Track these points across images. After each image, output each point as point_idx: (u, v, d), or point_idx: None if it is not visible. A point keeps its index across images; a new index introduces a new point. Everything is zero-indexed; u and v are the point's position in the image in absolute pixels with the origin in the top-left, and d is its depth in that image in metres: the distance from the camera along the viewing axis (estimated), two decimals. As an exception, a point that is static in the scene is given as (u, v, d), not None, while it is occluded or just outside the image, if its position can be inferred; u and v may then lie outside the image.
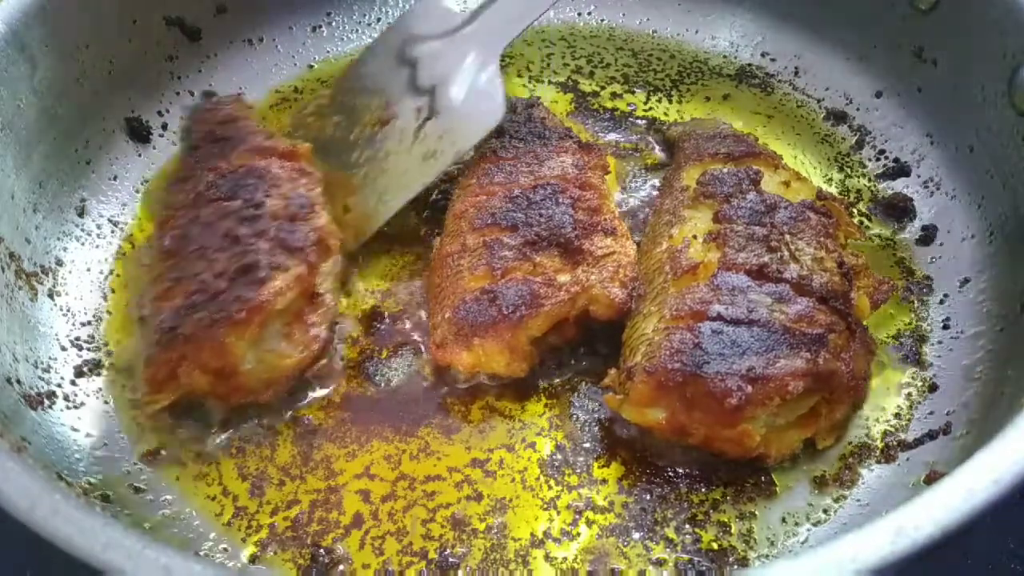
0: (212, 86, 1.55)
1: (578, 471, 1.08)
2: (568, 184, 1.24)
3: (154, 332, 1.08)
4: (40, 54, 1.27)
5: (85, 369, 1.16)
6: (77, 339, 1.19)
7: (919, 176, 1.39)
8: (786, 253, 1.13)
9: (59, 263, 1.26)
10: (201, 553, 1.01)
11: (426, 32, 1.41)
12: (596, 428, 1.12)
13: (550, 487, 1.07)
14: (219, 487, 1.07)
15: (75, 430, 1.09)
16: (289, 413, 1.14)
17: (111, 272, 1.29)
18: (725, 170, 1.26)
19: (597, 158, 1.32)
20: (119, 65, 1.41)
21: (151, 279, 1.16)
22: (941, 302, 1.24)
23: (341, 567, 1.00)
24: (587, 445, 1.11)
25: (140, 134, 1.43)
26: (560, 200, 1.21)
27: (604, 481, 1.08)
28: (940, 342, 1.20)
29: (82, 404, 1.13)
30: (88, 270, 1.28)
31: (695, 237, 1.17)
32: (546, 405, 1.15)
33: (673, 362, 1.02)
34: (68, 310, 1.22)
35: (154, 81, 1.49)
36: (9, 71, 1.22)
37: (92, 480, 1.03)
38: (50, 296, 1.21)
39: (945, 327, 1.21)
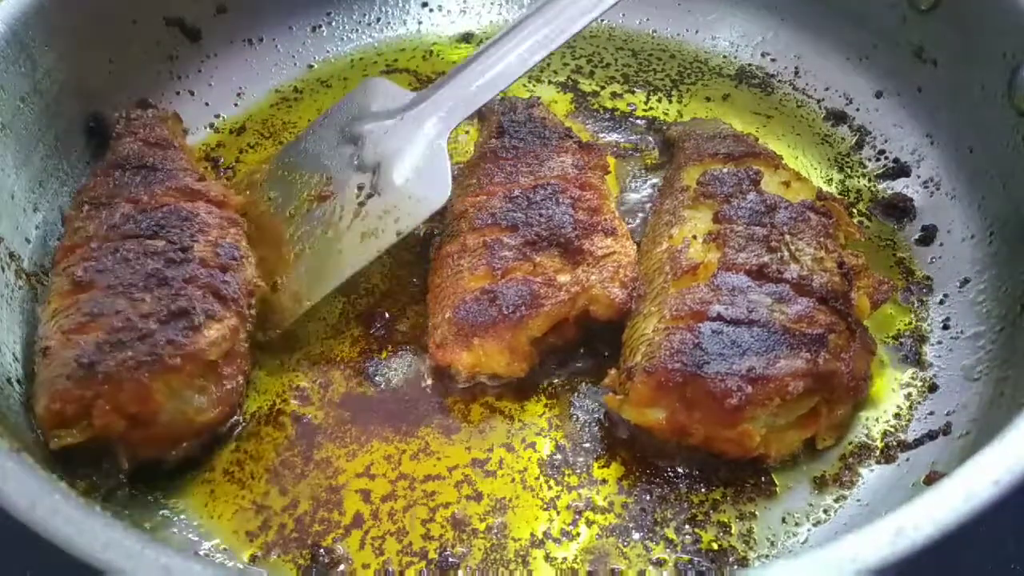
0: (212, 86, 1.55)
1: (578, 471, 1.08)
2: (568, 184, 1.24)
3: (65, 365, 0.99)
4: (40, 54, 1.27)
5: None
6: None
7: (919, 176, 1.39)
8: (786, 253, 1.13)
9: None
10: (201, 553, 1.01)
11: (374, 110, 1.35)
12: (596, 428, 1.12)
13: (550, 487, 1.07)
14: (219, 487, 1.07)
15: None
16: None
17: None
18: (725, 170, 1.26)
19: (597, 158, 1.32)
20: (119, 65, 1.42)
21: (56, 308, 1.06)
22: (941, 302, 1.24)
23: (341, 567, 1.00)
24: (587, 445, 1.11)
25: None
26: (560, 200, 1.21)
27: (604, 481, 1.08)
28: (940, 342, 1.20)
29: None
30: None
31: (695, 237, 1.17)
32: (546, 405, 1.15)
33: (673, 362, 1.02)
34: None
35: (154, 81, 1.48)
36: (9, 71, 1.22)
37: (97, 479, 1.03)
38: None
39: (945, 327, 1.21)
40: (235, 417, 1.11)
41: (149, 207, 1.17)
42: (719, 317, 1.05)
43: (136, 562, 0.73)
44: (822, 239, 1.16)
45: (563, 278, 1.14)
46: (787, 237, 1.15)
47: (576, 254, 1.17)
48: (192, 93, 1.53)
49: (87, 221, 1.16)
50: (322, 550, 1.01)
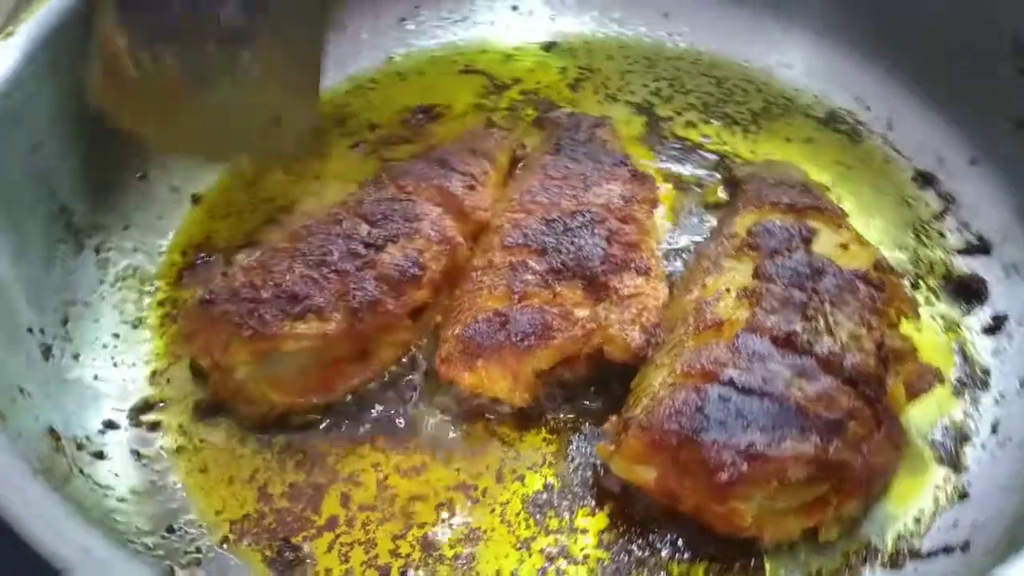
0: (291, 66, 1.57)
1: (560, 515, 1.04)
2: (609, 215, 1.19)
3: (205, 290, 1.11)
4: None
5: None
6: (103, 297, 1.22)
7: (1000, 258, 1.28)
8: (822, 324, 1.04)
9: (113, 221, 1.29)
10: (175, 527, 1.02)
11: None
12: (589, 473, 1.08)
13: (528, 527, 1.03)
14: (213, 463, 1.08)
15: (86, 385, 1.12)
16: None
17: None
18: (777, 223, 1.18)
19: (648, 191, 1.26)
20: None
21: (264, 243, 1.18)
22: (996, 402, 1.13)
23: (305, 564, 1.00)
24: (576, 489, 1.07)
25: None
26: (596, 231, 1.16)
27: (584, 531, 1.03)
28: (984, 446, 1.09)
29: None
30: (140, 229, 1.32)
31: (728, 290, 1.10)
32: (545, 439, 1.11)
33: (671, 422, 0.96)
34: (108, 264, 1.25)
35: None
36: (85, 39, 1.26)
37: (89, 435, 1.06)
38: (95, 251, 1.25)
39: (994, 430, 1.10)
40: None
41: (391, 198, 1.23)
42: (730, 382, 0.98)
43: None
44: (866, 314, 1.07)
45: (581, 312, 1.10)
46: (827, 306, 1.06)
47: (600, 289, 1.12)
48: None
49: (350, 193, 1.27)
50: (290, 546, 1.01)
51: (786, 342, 1.02)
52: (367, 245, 1.14)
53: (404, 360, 1.17)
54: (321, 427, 1.12)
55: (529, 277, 1.13)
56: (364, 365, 1.14)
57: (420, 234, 1.18)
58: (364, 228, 1.17)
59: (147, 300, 1.24)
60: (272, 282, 1.09)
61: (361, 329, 1.10)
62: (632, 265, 1.15)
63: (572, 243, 1.15)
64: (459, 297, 1.17)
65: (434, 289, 1.17)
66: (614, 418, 1.05)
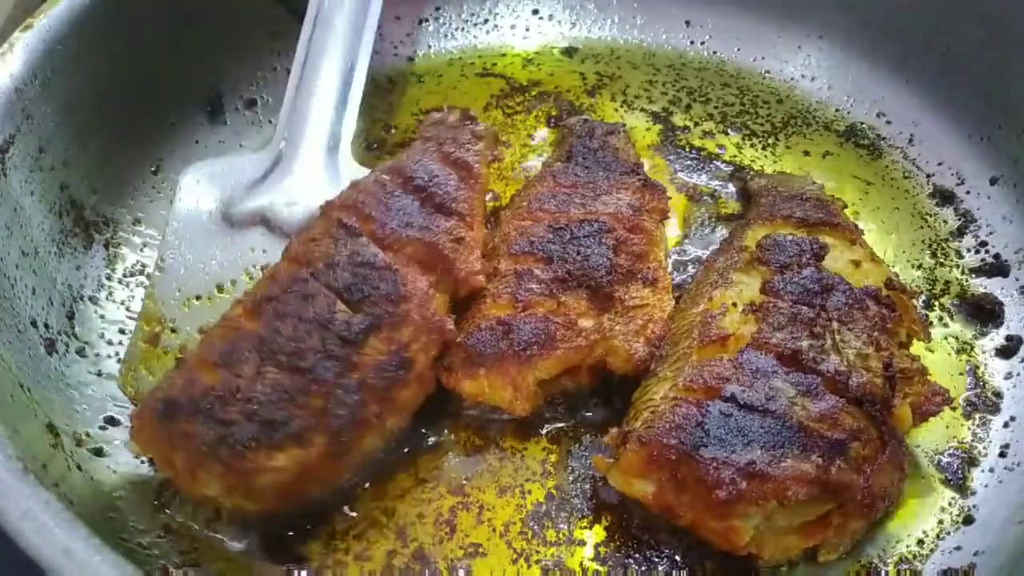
0: (310, 64, 1.57)
1: (558, 527, 1.03)
2: (617, 224, 1.18)
3: (166, 393, 0.96)
4: (139, 15, 1.32)
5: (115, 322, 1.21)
6: (111, 292, 1.23)
7: (1017, 279, 1.25)
8: (829, 342, 1.03)
9: (123, 216, 1.30)
10: (173, 526, 1.01)
11: (244, 184, 1.29)
12: (587, 485, 1.07)
13: (527, 539, 1.02)
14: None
15: (88, 381, 1.13)
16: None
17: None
18: (788, 237, 1.16)
19: (658, 201, 1.25)
20: (220, 33, 1.45)
21: (222, 320, 1.04)
22: (1005, 425, 1.11)
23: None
24: (575, 500, 1.06)
25: (218, 105, 1.46)
26: (603, 240, 1.15)
27: (582, 543, 1.02)
28: (991, 470, 1.07)
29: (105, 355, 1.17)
30: (151, 224, 1.32)
31: (735, 305, 1.09)
32: (545, 449, 1.10)
33: (670, 437, 0.95)
34: (117, 259, 1.26)
35: (253, 56, 1.52)
36: (108, 31, 1.28)
37: (90, 431, 1.07)
38: (105, 246, 1.26)
39: (1002, 455, 1.08)
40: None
41: (384, 244, 1.08)
42: (732, 398, 0.97)
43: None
44: (876, 333, 1.05)
45: (585, 323, 1.09)
46: (835, 324, 1.05)
47: (605, 300, 1.11)
48: (289, 71, 1.55)
49: (315, 241, 1.08)
50: (287, 554, 1.01)
51: (791, 359, 1.01)
52: (345, 341, 0.99)
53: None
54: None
55: (534, 286, 1.12)
56: (346, 463, 1.00)
57: (407, 321, 1.03)
58: (340, 311, 1.01)
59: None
60: (241, 397, 0.94)
61: (346, 445, 0.97)
62: (639, 276, 1.14)
63: (578, 252, 1.14)
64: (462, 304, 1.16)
65: (421, 383, 1.04)
66: (614, 430, 1.04)
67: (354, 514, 1.04)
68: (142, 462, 1.06)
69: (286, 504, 0.99)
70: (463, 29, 1.67)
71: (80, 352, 1.14)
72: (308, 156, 1.31)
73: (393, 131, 1.50)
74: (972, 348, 1.20)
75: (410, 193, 1.16)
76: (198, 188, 1.28)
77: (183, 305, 1.17)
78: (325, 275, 1.04)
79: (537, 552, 1.01)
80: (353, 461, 1.01)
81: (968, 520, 1.03)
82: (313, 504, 1.03)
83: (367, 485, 1.06)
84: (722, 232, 1.33)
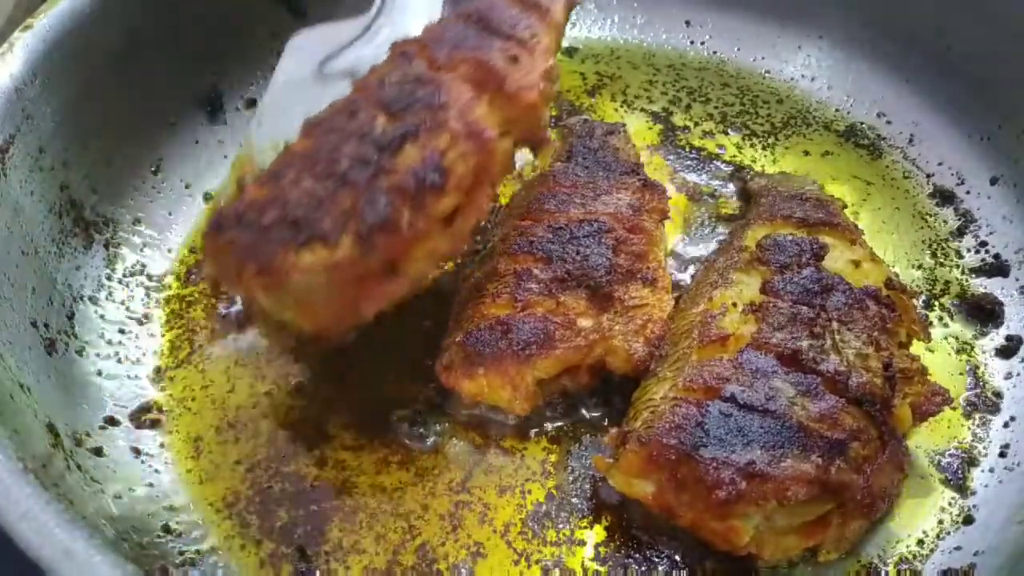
0: (312, 64, 1.57)
1: (559, 527, 1.03)
2: (616, 224, 1.18)
3: (228, 207, 0.97)
4: (138, 15, 1.32)
5: (122, 319, 1.21)
6: (111, 292, 1.23)
7: (1017, 279, 1.25)
8: (828, 342, 1.03)
9: (123, 216, 1.30)
10: (172, 526, 1.02)
11: (339, 41, 1.28)
12: (588, 485, 1.07)
13: (527, 540, 1.02)
14: (210, 464, 1.09)
15: (88, 381, 1.13)
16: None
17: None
18: (788, 237, 1.16)
19: (658, 201, 1.25)
20: (221, 34, 1.45)
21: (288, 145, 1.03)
22: (1005, 425, 1.11)
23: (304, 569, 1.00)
24: (575, 500, 1.06)
25: (218, 105, 1.46)
26: (602, 240, 1.15)
27: (582, 543, 1.02)
28: (991, 470, 1.07)
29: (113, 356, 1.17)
30: (151, 224, 1.32)
31: (735, 305, 1.09)
32: (545, 449, 1.10)
33: (670, 437, 0.95)
34: (116, 259, 1.26)
35: (253, 56, 1.51)
36: (108, 31, 1.28)
37: (89, 431, 1.07)
38: (105, 246, 1.26)
39: (1002, 454, 1.08)
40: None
41: (437, 67, 1.03)
42: (732, 398, 0.97)
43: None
44: (875, 333, 1.05)
45: (584, 323, 1.09)
46: (835, 324, 1.05)
47: (604, 300, 1.11)
48: (289, 70, 1.55)
49: (375, 72, 1.07)
50: (288, 551, 1.01)
51: (792, 359, 1.01)
52: (381, 148, 0.96)
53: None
54: (330, 433, 1.12)
55: (533, 286, 1.12)
56: (395, 282, 0.98)
57: (445, 128, 0.97)
58: (380, 122, 0.98)
59: (154, 296, 1.25)
60: (277, 201, 0.95)
61: (377, 252, 0.94)
62: (638, 275, 1.14)
63: (578, 252, 1.14)
64: (462, 304, 1.16)
65: (463, 191, 0.99)
66: (614, 431, 1.04)
67: (354, 513, 1.04)
68: (139, 459, 1.07)
69: (337, 319, 0.98)
70: (464, 28, 1.67)
71: (80, 352, 1.14)
72: (400, 17, 1.28)
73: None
74: (972, 348, 1.20)
75: (473, 24, 1.10)
76: (299, 52, 1.28)
77: (273, 151, 1.11)
78: (374, 94, 1.02)
79: (538, 552, 1.01)
80: (402, 278, 0.98)
81: (968, 520, 1.03)
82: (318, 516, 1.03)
83: (364, 486, 1.06)
84: (722, 232, 1.33)
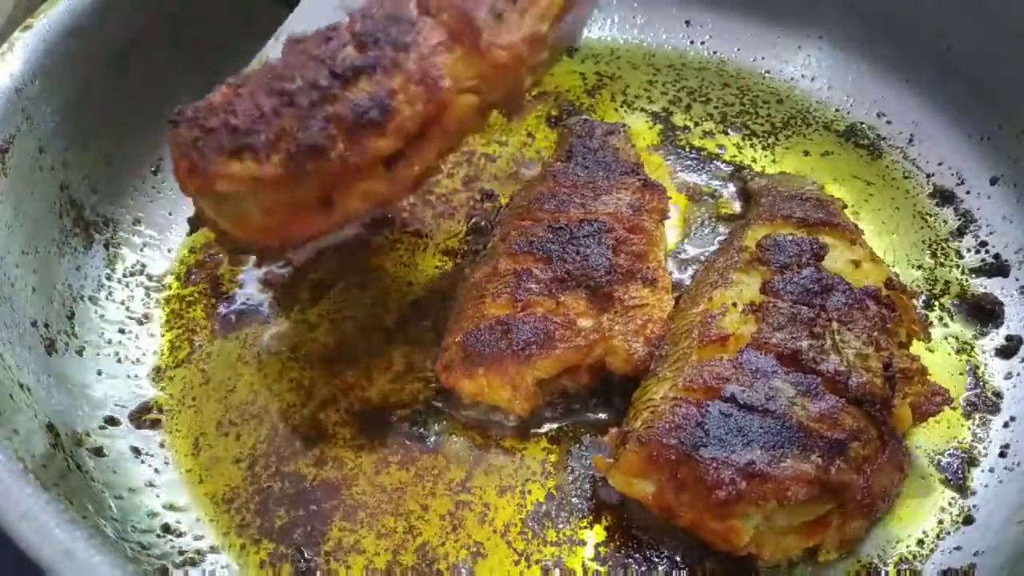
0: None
1: (559, 527, 1.03)
2: (617, 224, 1.18)
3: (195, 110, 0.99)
4: (138, 12, 1.32)
5: (122, 318, 1.21)
6: (111, 292, 1.23)
7: (1017, 279, 1.25)
8: (828, 342, 1.03)
9: (123, 216, 1.30)
10: (172, 526, 1.02)
11: None
12: (588, 485, 1.07)
13: (527, 540, 1.02)
14: (210, 463, 1.09)
15: (89, 381, 1.13)
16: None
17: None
18: (788, 237, 1.16)
19: (658, 201, 1.25)
20: (221, 34, 1.45)
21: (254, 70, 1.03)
22: (1005, 425, 1.11)
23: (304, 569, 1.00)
24: (575, 500, 1.06)
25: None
26: (603, 240, 1.15)
27: (582, 543, 1.02)
28: (991, 470, 1.07)
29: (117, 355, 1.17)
30: (151, 224, 1.32)
31: (735, 305, 1.09)
32: (545, 449, 1.10)
33: (670, 437, 0.95)
34: (117, 259, 1.26)
35: (253, 55, 1.50)
36: (108, 31, 1.27)
37: (89, 431, 1.07)
38: (105, 246, 1.26)
39: (1002, 455, 1.08)
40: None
41: (426, 8, 1.01)
42: (732, 398, 0.97)
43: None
44: (875, 334, 1.05)
45: (584, 323, 1.09)
46: (835, 324, 1.05)
47: (604, 300, 1.11)
48: (288, 69, 1.55)
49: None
50: (287, 551, 1.01)
51: (791, 359, 1.01)
52: (335, 75, 0.96)
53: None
54: (330, 432, 1.12)
55: (533, 286, 1.12)
56: (326, 215, 1.00)
57: (401, 68, 0.96)
58: (344, 52, 0.98)
59: (154, 296, 1.25)
60: (228, 108, 0.97)
61: (308, 176, 0.95)
62: (638, 275, 1.14)
63: (578, 252, 1.14)
64: (462, 304, 1.17)
65: (404, 138, 0.98)
66: (614, 431, 1.04)
67: (355, 512, 1.04)
68: (139, 458, 1.07)
69: (268, 236, 1.01)
70: (464, 28, 1.67)
71: (80, 352, 1.14)
72: None
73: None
74: (972, 348, 1.20)
75: None
76: None
77: None
78: (356, 23, 1.01)
79: (538, 552, 1.01)
80: (335, 212, 1.00)
81: (968, 520, 1.03)
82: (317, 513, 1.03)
83: (364, 486, 1.06)
84: (722, 232, 1.33)
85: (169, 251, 1.31)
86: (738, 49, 1.62)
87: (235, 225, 1.00)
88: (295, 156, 0.94)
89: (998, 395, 1.14)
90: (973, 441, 1.10)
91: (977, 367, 1.17)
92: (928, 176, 1.41)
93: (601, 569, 1.00)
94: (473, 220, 1.35)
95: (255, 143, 0.94)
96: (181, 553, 0.99)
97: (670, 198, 1.28)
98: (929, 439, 1.10)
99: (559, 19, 1.06)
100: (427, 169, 1.03)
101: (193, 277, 1.28)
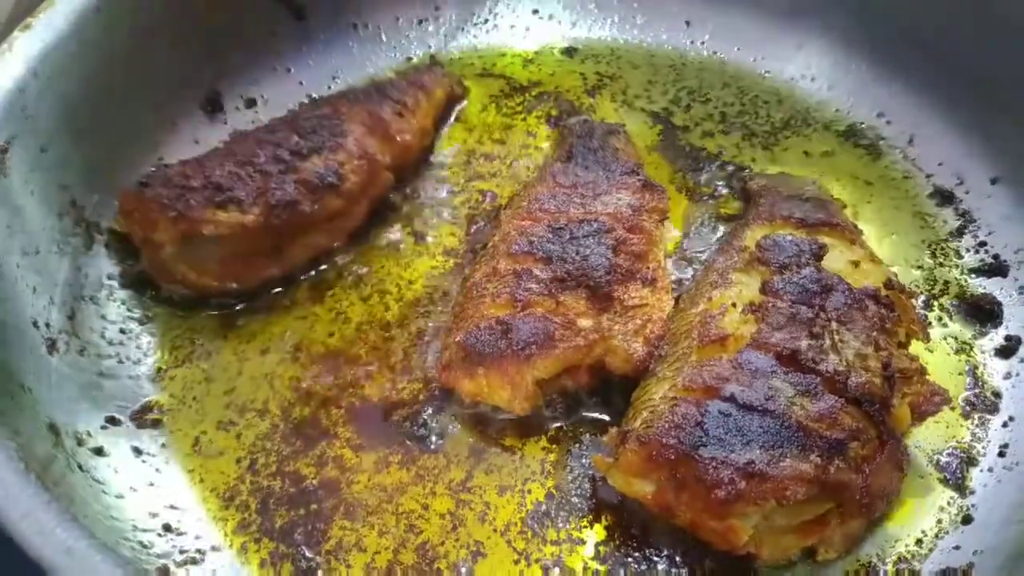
0: (311, 65, 1.57)
1: (559, 526, 1.04)
2: (616, 224, 1.18)
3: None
4: (138, 15, 1.32)
5: (125, 319, 1.21)
6: (111, 292, 1.23)
7: (1016, 279, 1.25)
8: (828, 342, 1.03)
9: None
10: (172, 525, 1.02)
11: None
12: (587, 484, 1.07)
13: (527, 539, 1.03)
14: (211, 462, 1.09)
15: (89, 381, 1.13)
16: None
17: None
18: (788, 237, 1.16)
19: (658, 201, 1.25)
20: (221, 33, 1.45)
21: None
22: (1004, 425, 1.11)
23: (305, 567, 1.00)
24: (575, 499, 1.06)
25: (217, 105, 1.46)
26: (602, 240, 1.16)
27: (582, 542, 1.03)
28: (990, 469, 1.07)
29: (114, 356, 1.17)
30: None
31: (734, 305, 1.09)
32: (545, 448, 1.11)
33: (669, 437, 0.95)
34: (117, 259, 1.26)
35: (253, 55, 1.51)
36: (108, 31, 1.27)
37: (90, 431, 1.07)
38: (106, 247, 1.26)
39: (1001, 454, 1.08)
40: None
41: (332, 110, 1.35)
42: (731, 398, 0.97)
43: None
44: (875, 333, 1.05)
45: (584, 323, 1.09)
46: (834, 324, 1.05)
47: (604, 300, 1.11)
48: (289, 70, 1.55)
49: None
50: (288, 550, 1.01)
51: (791, 359, 1.01)
52: (293, 153, 1.26)
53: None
54: (330, 432, 1.12)
55: (533, 286, 1.12)
56: (277, 260, 1.26)
57: (343, 148, 1.29)
58: (294, 139, 1.28)
59: (155, 296, 1.25)
60: (202, 174, 1.21)
61: (277, 225, 1.21)
62: (638, 275, 1.14)
63: (577, 252, 1.14)
64: (462, 304, 1.17)
65: (350, 200, 1.28)
66: (613, 430, 1.04)
67: (355, 512, 1.04)
68: (140, 458, 1.07)
69: (223, 280, 1.22)
70: (463, 29, 1.67)
71: (81, 352, 1.14)
72: None
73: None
74: (971, 348, 1.20)
75: (374, 90, 1.44)
76: None
77: None
78: (289, 122, 1.34)
79: (538, 551, 1.02)
80: (284, 258, 1.26)
81: (967, 519, 1.03)
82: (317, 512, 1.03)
83: (365, 484, 1.06)
84: (722, 232, 1.33)
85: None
86: (738, 49, 1.62)
87: (193, 268, 1.20)
88: (274, 208, 1.21)
89: (997, 395, 1.14)
90: (972, 441, 1.10)
91: (976, 367, 1.18)
92: (928, 176, 1.41)
93: (601, 568, 1.00)
94: (473, 220, 1.35)
95: (240, 197, 1.20)
96: (182, 552, 0.99)
97: (670, 198, 1.28)
98: (928, 439, 1.10)
99: (440, 113, 1.50)
100: (355, 224, 1.32)
101: (194, 277, 1.28)
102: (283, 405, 1.15)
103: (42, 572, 0.74)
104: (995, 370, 1.17)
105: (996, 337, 1.20)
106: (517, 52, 1.65)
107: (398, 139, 1.37)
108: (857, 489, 0.94)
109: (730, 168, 1.44)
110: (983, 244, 1.31)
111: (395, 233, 1.35)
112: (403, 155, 1.38)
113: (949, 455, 1.09)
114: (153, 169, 1.26)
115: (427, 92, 1.48)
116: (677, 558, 1.00)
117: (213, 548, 1.01)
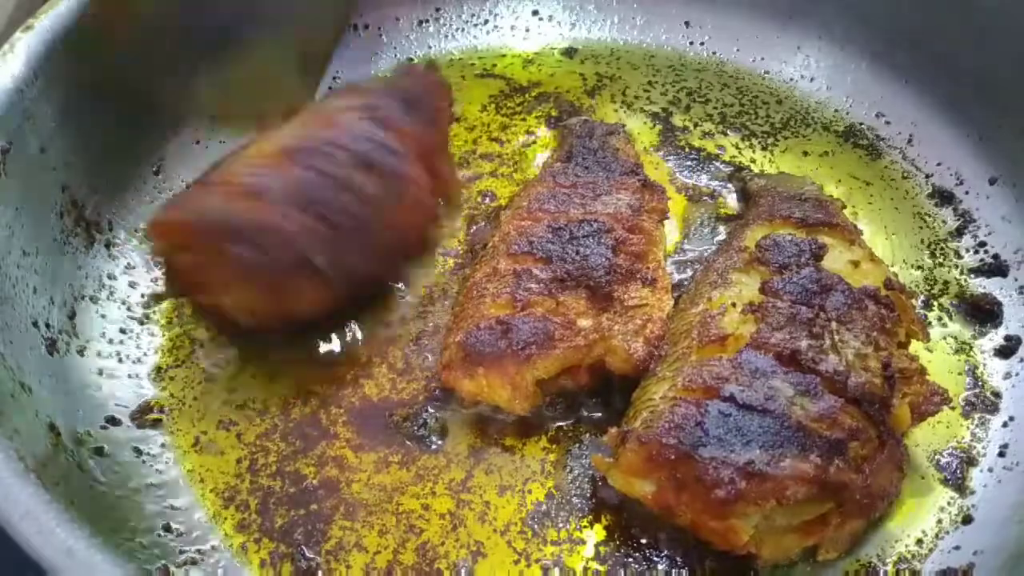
0: (309, 65, 1.57)
1: (559, 526, 1.04)
2: (616, 224, 1.18)
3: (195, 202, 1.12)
4: (139, 15, 1.32)
5: (124, 321, 1.21)
6: (112, 292, 1.23)
7: (1016, 279, 1.25)
8: (828, 342, 1.03)
9: (124, 215, 1.30)
10: (173, 525, 1.02)
11: None
12: (587, 484, 1.07)
13: (527, 539, 1.03)
14: (211, 463, 1.09)
15: (90, 381, 1.13)
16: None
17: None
18: (787, 237, 1.16)
19: (658, 201, 1.25)
20: (216, 31, 1.45)
21: (254, 155, 1.17)
22: (1004, 425, 1.11)
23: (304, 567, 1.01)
24: (575, 500, 1.06)
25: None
26: (602, 240, 1.16)
27: (582, 543, 1.03)
28: (991, 470, 1.07)
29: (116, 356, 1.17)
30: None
31: (734, 305, 1.09)
32: (545, 448, 1.11)
33: (669, 437, 0.95)
34: (118, 259, 1.26)
35: (251, 54, 1.51)
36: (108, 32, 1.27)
37: (91, 431, 1.07)
38: (106, 246, 1.26)
39: (1001, 454, 1.08)
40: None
41: (391, 132, 1.24)
42: (731, 398, 0.97)
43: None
44: (875, 333, 1.05)
45: (584, 323, 1.09)
46: (834, 324, 1.05)
47: (604, 300, 1.11)
48: (289, 70, 1.56)
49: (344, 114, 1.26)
50: (288, 550, 1.02)
51: (791, 359, 1.01)
52: (362, 202, 1.16)
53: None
54: (330, 432, 1.12)
55: (533, 286, 1.12)
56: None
57: (401, 177, 1.22)
58: (358, 178, 1.17)
59: (155, 296, 1.25)
60: (273, 231, 1.08)
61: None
62: (638, 276, 1.14)
63: (577, 252, 1.14)
64: (462, 304, 1.17)
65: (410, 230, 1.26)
66: (613, 430, 1.04)
67: (355, 512, 1.04)
68: (141, 458, 1.07)
69: (270, 322, 1.14)
70: (463, 30, 1.67)
71: (81, 352, 1.14)
72: None
73: (393, 131, 1.50)
74: (971, 348, 1.20)
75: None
76: None
77: None
78: (347, 143, 1.19)
79: (538, 551, 1.02)
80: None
81: (967, 520, 1.03)
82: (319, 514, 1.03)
83: (365, 484, 1.06)
84: (722, 232, 1.33)
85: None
86: (738, 49, 1.62)
87: (246, 314, 1.13)
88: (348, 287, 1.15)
89: (997, 395, 1.14)
90: (972, 441, 1.10)
91: (976, 367, 1.18)
92: (927, 176, 1.42)
93: (601, 568, 1.00)
94: (473, 220, 1.35)
95: (322, 266, 1.10)
96: (182, 553, 0.99)
97: (670, 198, 1.28)
98: (928, 439, 1.10)
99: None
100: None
101: (194, 277, 1.28)
102: (283, 405, 1.14)
103: (42, 572, 0.74)
104: (995, 370, 1.17)
105: (996, 337, 1.20)
106: (517, 53, 1.65)
107: (438, 172, 1.32)
108: (857, 489, 0.94)
109: (729, 168, 1.44)
110: (983, 244, 1.31)
111: (395, 233, 1.35)
112: (439, 186, 1.34)
113: (949, 455, 1.09)
114: (201, 199, 1.13)
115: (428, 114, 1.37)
116: (677, 558, 1.00)
117: (213, 548, 1.01)
